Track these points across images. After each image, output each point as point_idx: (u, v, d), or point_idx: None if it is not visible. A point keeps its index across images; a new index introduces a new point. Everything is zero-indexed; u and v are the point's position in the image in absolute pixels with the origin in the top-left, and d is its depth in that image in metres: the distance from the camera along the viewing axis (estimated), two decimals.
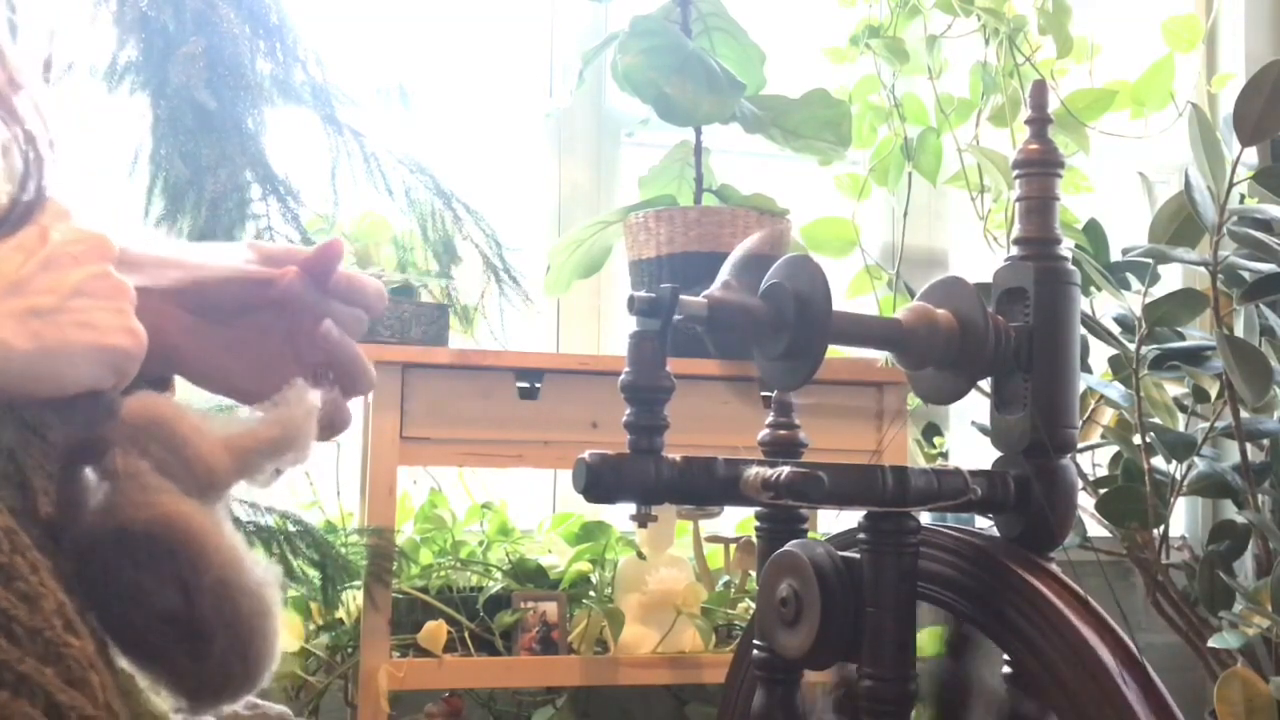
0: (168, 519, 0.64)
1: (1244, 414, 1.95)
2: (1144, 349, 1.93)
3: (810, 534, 1.03)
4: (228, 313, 0.79)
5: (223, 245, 0.81)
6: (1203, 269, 1.94)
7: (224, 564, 0.65)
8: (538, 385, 1.74)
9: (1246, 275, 1.90)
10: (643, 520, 0.84)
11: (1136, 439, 1.98)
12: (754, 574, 1.75)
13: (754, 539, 1.08)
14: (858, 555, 0.89)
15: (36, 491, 0.65)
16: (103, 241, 0.65)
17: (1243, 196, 2.08)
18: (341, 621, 1.78)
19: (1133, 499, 1.99)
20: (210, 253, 0.80)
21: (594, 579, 1.89)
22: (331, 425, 0.81)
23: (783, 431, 1.06)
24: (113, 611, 0.63)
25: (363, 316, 0.81)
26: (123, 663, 0.65)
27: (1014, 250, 0.93)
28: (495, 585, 1.82)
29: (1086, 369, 2.04)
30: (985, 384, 0.96)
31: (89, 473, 0.64)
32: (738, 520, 1.99)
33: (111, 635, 0.64)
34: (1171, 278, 2.41)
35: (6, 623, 0.56)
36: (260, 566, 0.68)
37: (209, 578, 0.64)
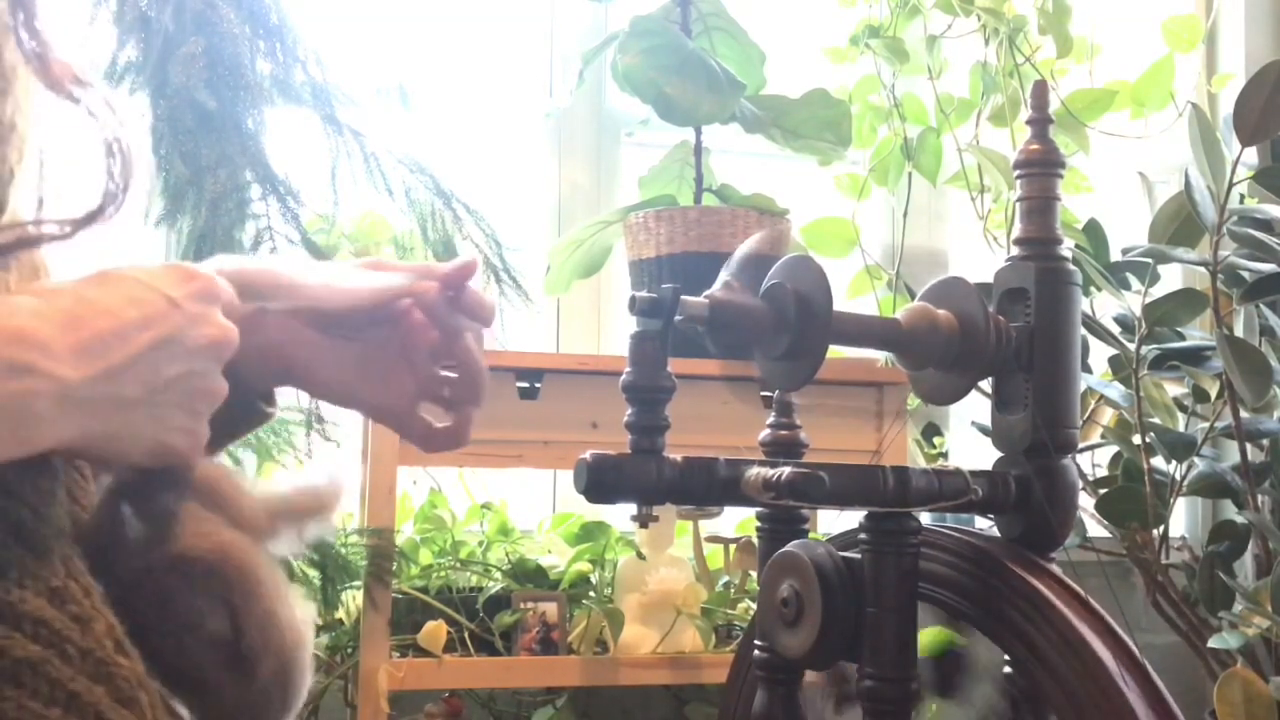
0: (224, 549, 0.66)
1: (1244, 414, 1.95)
2: (1144, 349, 1.93)
3: (811, 534, 1.03)
4: (353, 328, 0.81)
5: (342, 264, 0.84)
6: (1203, 269, 1.94)
7: (272, 596, 0.67)
8: (538, 385, 1.74)
9: (1246, 275, 1.90)
10: (644, 520, 0.84)
11: (1136, 439, 1.98)
12: (754, 574, 1.75)
13: (754, 539, 1.08)
14: (859, 555, 0.89)
15: (77, 516, 0.65)
16: (228, 340, 0.65)
17: (1243, 196, 2.08)
18: (341, 622, 1.78)
19: (1133, 499, 1.99)
20: (337, 271, 0.81)
21: (594, 579, 1.89)
22: (456, 438, 0.87)
23: (784, 432, 1.06)
24: (162, 636, 0.64)
25: (483, 332, 0.84)
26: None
27: (1015, 250, 0.93)
28: (495, 585, 1.82)
29: (1086, 369, 2.04)
30: (985, 384, 0.96)
31: (129, 513, 0.65)
32: (738, 520, 1.99)
33: (156, 660, 0.64)
34: (1171, 278, 2.41)
35: (60, 643, 0.57)
36: (300, 602, 0.70)
37: (259, 607, 0.66)
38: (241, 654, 0.65)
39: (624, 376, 0.82)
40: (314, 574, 1.55)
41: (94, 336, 0.59)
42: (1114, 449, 2.14)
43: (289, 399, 1.01)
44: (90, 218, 0.62)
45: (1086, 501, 2.06)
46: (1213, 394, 2.05)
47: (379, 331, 0.82)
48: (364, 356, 0.82)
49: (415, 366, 0.83)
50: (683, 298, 0.82)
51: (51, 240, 0.61)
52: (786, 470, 0.81)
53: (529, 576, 1.86)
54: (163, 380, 0.62)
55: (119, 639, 0.60)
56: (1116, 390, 1.99)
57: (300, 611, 0.70)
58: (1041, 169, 0.92)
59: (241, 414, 0.82)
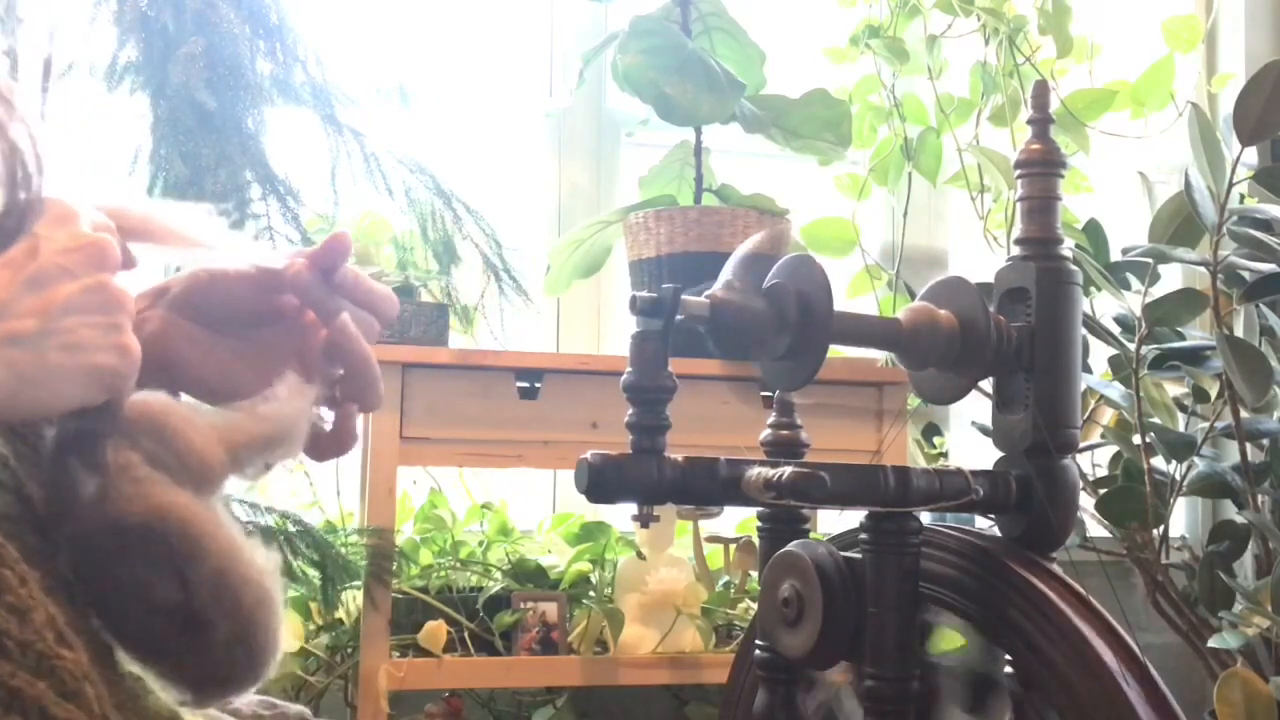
0: (162, 510, 0.63)
1: (1244, 414, 1.95)
2: (1144, 349, 1.93)
3: (812, 534, 1.03)
4: (236, 324, 0.77)
5: (236, 246, 0.79)
6: (1203, 269, 1.94)
7: (221, 553, 0.64)
8: (538, 385, 1.74)
9: (1246, 275, 1.90)
10: (645, 520, 0.84)
11: (1136, 439, 1.98)
12: (754, 574, 1.75)
13: (754, 539, 1.08)
14: (859, 555, 0.89)
15: (31, 499, 0.64)
16: (102, 248, 0.63)
17: (1243, 196, 2.08)
18: (341, 622, 1.78)
19: (1133, 499, 1.99)
20: (225, 246, 0.76)
21: (594, 579, 1.89)
22: (339, 443, 0.78)
23: (784, 432, 1.06)
24: (111, 606, 0.63)
25: (373, 322, 0.78)
26: (131, 666, 0.65)
27: (1016, 250, 0.93)
28: (495, 585, 1.82)
29: (1086, 369, 2.04)
30: (986, 384, 0.96)
31: (78, 466, 0.63)
32: (738, 520, 1.99)
33: (112, 631, 0.63)
34: (1171, 278, 2.41)
35: None
36: (260, 555, 0.67)
37: (206, 567, 0.63)
38: (194, 618, 0.63)
39: (625, 376, 0.82)
40: (314, 574, 1.55)
41: None
42: (1114, 449, 2.14)
43: None
44: None
45: (1087, 501, 2.06)
46: (1213, 394, 2.05)
47: (267, 332, 0.78)
48: (251, 356, 0.77)
49: (308, 369, 0.77)
50: (683, 298, 0.82)
51: None
52: (788, 470, 0.80)
53: (529, 576, 1.86)
54: (58, 306, 0.60)
55: (60, 630, 0.57)
56: (1116, 390, 1.99)
57: (261, 564, 0.66)
58: (1042, 169, 0.92)
59: None
